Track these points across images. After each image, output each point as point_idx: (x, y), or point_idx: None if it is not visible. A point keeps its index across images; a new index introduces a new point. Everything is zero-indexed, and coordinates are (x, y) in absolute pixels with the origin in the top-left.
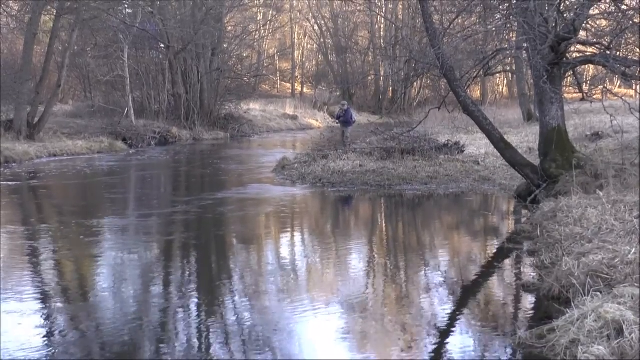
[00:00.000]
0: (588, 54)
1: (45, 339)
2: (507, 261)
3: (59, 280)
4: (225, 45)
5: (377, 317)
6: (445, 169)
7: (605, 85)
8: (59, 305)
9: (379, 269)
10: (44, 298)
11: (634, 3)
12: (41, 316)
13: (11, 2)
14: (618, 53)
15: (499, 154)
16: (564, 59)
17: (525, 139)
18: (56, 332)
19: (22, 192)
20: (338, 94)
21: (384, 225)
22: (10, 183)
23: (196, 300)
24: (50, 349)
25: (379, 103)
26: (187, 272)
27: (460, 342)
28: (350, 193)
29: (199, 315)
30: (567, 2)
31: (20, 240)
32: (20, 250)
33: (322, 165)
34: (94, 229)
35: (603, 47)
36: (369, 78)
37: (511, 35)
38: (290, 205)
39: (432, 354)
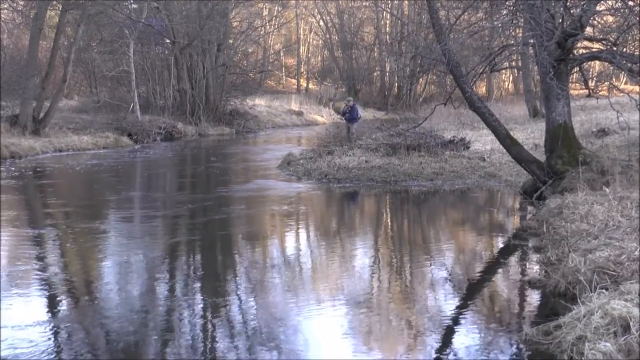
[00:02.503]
0: (594, 50)
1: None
2: (513, 257)
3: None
4: (230, 41)
5: (382, 312)
6: (450, 165)
7: (612, 81)
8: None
9: (384, 264)
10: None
11: None
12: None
13: None
14: (625, 49)
15: (504, 150)
16: (571, 55)
17: (531, 135)
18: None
19: (27, 189)
20: (343, 89)
21: (390, 221)
22: (14, 180)
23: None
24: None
25: (384, 99)
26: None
27: (465, 338)
28: (355, 189)
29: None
30: None
31: (22, 243)
32: (20, 254)
33: (328, 161)
34: (100, 227)
35: (609, 44)
36: (375, 74)
37: (517, 32)
38: (296, 201)
39: (438, 350)
